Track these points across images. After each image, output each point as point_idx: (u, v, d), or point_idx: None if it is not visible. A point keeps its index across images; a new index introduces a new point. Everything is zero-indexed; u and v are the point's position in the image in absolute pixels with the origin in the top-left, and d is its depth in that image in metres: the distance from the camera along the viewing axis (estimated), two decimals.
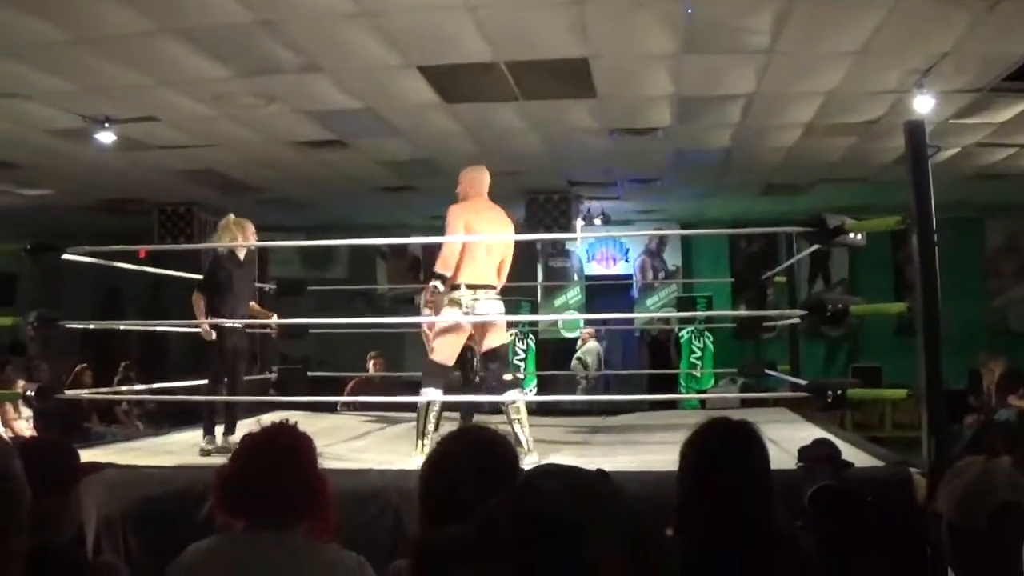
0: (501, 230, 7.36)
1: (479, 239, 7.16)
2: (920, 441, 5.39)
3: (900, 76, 9.76)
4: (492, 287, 7.26)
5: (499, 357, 7.38)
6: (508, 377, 7.31)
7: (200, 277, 8.27)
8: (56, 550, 2.86)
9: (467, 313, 7.14)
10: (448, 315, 7.24)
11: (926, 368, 5.38)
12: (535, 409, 11.59)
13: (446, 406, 7.63)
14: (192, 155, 13.12)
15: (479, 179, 7.47)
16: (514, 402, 7.12)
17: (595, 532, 1.43)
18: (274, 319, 8.95)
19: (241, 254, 8.18)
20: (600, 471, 1.61)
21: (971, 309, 16.96)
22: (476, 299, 7.12)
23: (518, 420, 7.05)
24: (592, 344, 16.98)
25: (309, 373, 11.16)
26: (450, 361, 7.31)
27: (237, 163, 13.82)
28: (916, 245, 5.53)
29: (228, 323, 7.87)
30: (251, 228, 8.20)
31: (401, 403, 9.18)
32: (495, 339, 7.33)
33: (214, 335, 7.90)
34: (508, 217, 7.50)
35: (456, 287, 7.15)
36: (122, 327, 13.90)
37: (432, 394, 7.08)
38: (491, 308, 7.19)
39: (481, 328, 7.30)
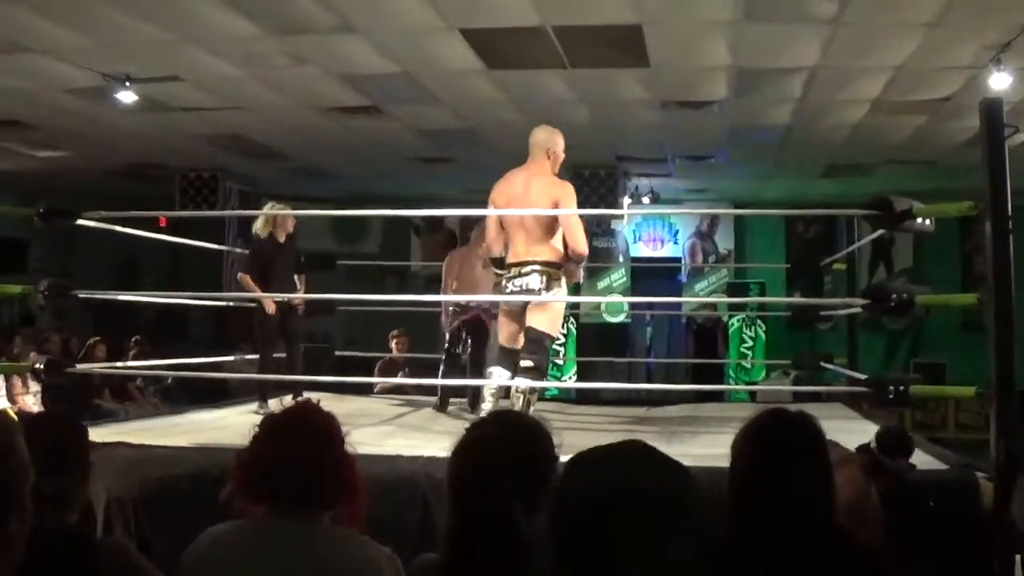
0: (523, 198, 7.29)
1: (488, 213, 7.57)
2: (986, 443, 5.34)
3: (975, 51, 9.59)
4: (533, 263, 7.22)
5: (529, 340, 7.35)
6: (525, 364, 7.26)
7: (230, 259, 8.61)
8: (61, 530, 2.87)
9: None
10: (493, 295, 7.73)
11: (997, 365, 5.32)
12: (576, 398, 11.60)
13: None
14: (217, 118, 13.13)
15: (530, 143, 7.54)
16: (519, 388, 7.17)
17: (660, 502, 1.52)
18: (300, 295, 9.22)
19: (281, 236, 8.89)
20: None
21: None
22: (502, 276, 7.32)
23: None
24: None
25: (336, 352, 11.20)
26: (509, 343, 7.49)
27: (265, 128, 13.81)
28: (989, 233, 5.46)
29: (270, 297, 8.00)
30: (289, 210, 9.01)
31: (428, 386, 9.29)
32: (530, 319, 7.33)
33: (273, 308, 8.65)
34: (548, 181, 7.40)
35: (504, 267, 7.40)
36: (139, 298, 13.92)
37: (497, 375, 7.34)
38: (520, 283, 7.23)
39: (522, 309, 7.37)
